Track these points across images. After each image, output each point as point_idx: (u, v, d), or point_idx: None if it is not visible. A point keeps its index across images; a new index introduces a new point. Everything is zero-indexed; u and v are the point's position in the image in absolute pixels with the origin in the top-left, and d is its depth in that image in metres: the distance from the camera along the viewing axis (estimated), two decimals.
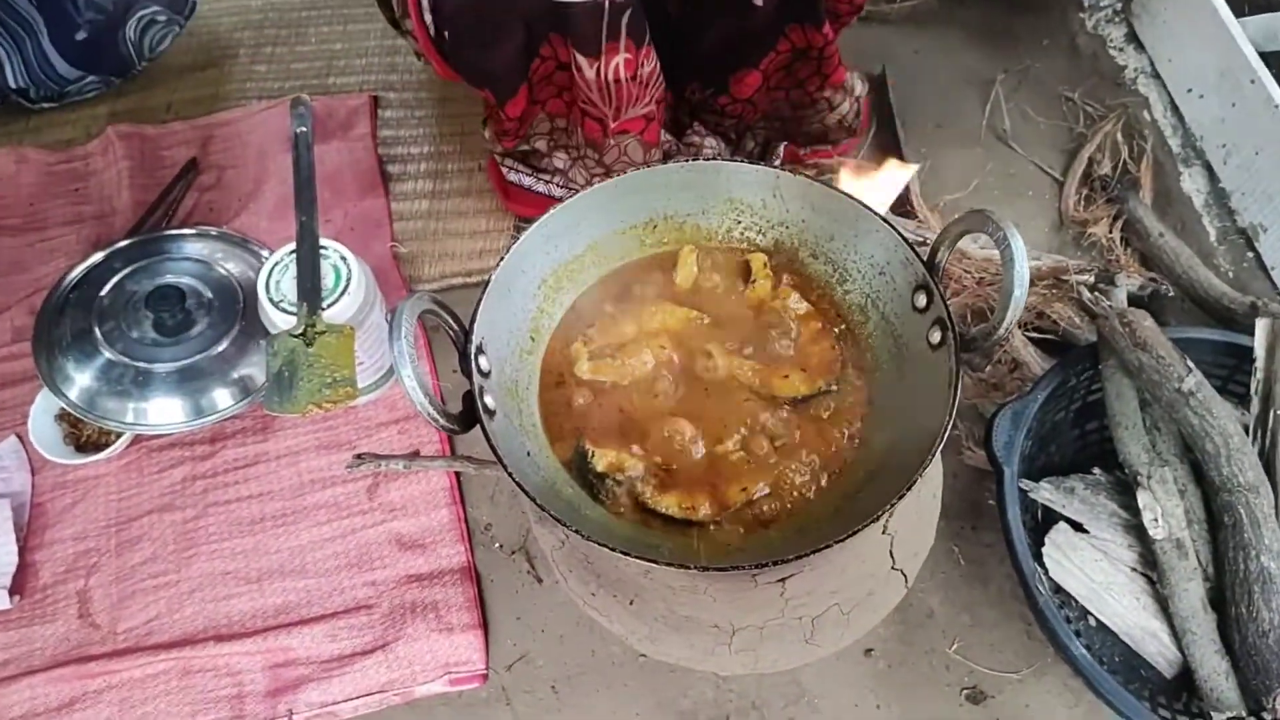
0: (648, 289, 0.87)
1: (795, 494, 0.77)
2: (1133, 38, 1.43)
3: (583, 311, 0.87)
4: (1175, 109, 1.35)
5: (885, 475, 0.74)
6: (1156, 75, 1.38)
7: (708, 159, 1.27)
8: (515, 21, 1.00)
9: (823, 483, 0.78)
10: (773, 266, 0.87)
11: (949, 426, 0.68)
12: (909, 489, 0.66)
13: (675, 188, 0.86)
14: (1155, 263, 1.20)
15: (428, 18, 1.09)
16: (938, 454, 0.69)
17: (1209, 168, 1.29)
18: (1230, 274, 1.22)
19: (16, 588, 1.03)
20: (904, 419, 0.76)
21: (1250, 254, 1.22)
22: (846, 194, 0.82)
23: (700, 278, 0.87)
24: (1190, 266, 1.17)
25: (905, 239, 0.78)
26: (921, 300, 0.78)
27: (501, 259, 0.79)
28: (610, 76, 1.03)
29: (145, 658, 0.98)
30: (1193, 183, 1.29)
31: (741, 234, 0.89)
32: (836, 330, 0.85)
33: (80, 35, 1.32)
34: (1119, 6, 1.45)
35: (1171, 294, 1.16)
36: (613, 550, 0.66)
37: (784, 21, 1.08)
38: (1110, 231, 1.24)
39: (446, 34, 1.03)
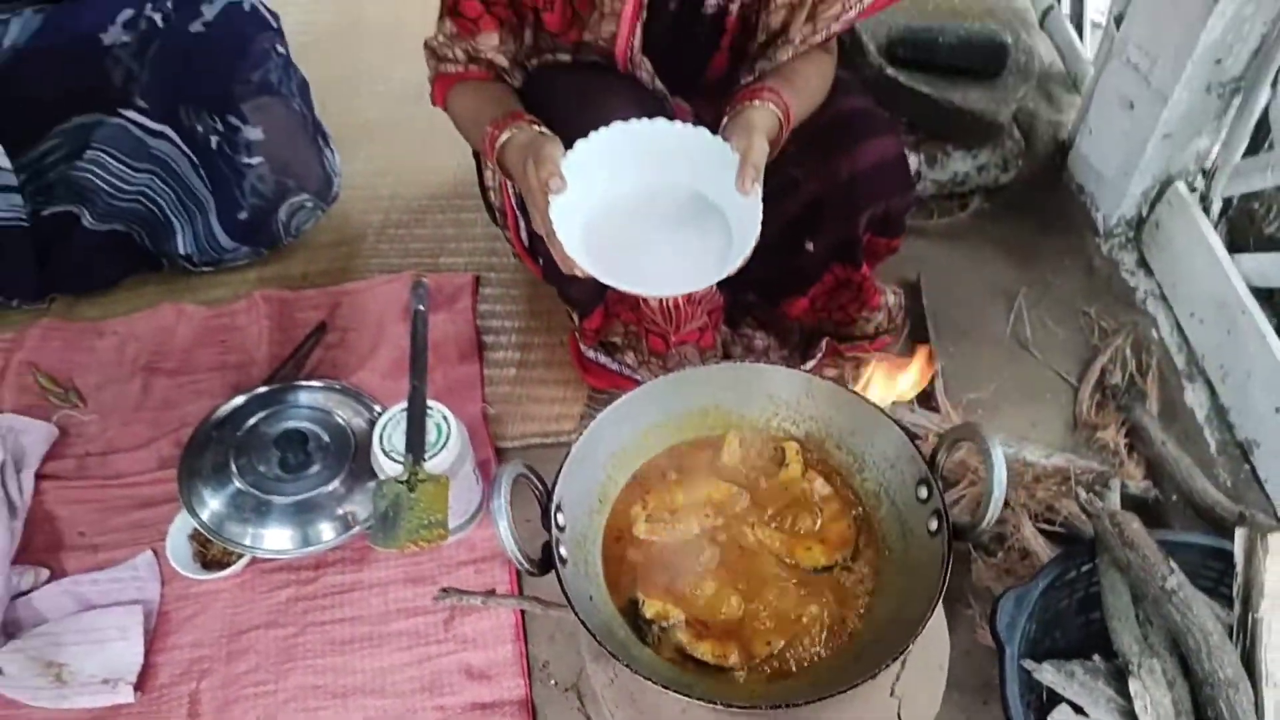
0: (698, 465, 1.05)
1: (811, 651, 0.91)
2: (1143, 263, 1.61)
3: (643, 481, 1.04)
4: (1180, 329, 1.51)
5: (887, 641, 0.87)
6: (1164, 298, 1.56)
7: (759, 349, 1.48)
8: None
9: (834, 643, 0.92)
10: (803, 454, 1.04)
11: (937, 604, 0.83)
12: (902, 654, 0.80)
13: (724, 384, 1.05)
14: (1158, 469, 1.34)
15: (524, 235, 1.33)
16: (933, 627, 0.84)
17: (1210, 384, 1.44)
18: (1229, 484, 1.34)
19: (140, 684, 1.20)
20: (906, 594, 0.91)
21: (1246, 466, 1.35)
22: (866, 399, 0.99)
23: (742, 459, 1.05)
24: (1189, 475, 1.30)
25: (913, 439, 0.95)
26: (924, 493, 0.93)
27: (579, 435, 0.98)
28: (669, 304, 1.24)
29: None
30: (1195, 397, 1.44)
31: (778, 424, 1.07)
32: (854, 512, 1.01)
33: (242, 215, 1.59)
34: (1131, 235, 1.64)
35: (1169, 498, 1.29)
36: (656, 685, 0.81)
37: (829, 260, 1.29)
38: (1118, 436, 1.38)
39: (540, 260, 1.26)
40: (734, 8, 1.21)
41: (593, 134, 1.04)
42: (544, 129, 1.10)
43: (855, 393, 1.00)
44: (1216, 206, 1.50)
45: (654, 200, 1.08)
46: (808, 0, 1.17)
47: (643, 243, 1.06)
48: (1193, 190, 1.53)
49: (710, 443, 1.07)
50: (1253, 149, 1.44)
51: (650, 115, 1.08)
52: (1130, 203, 1.59)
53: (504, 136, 1.10)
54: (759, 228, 1.00)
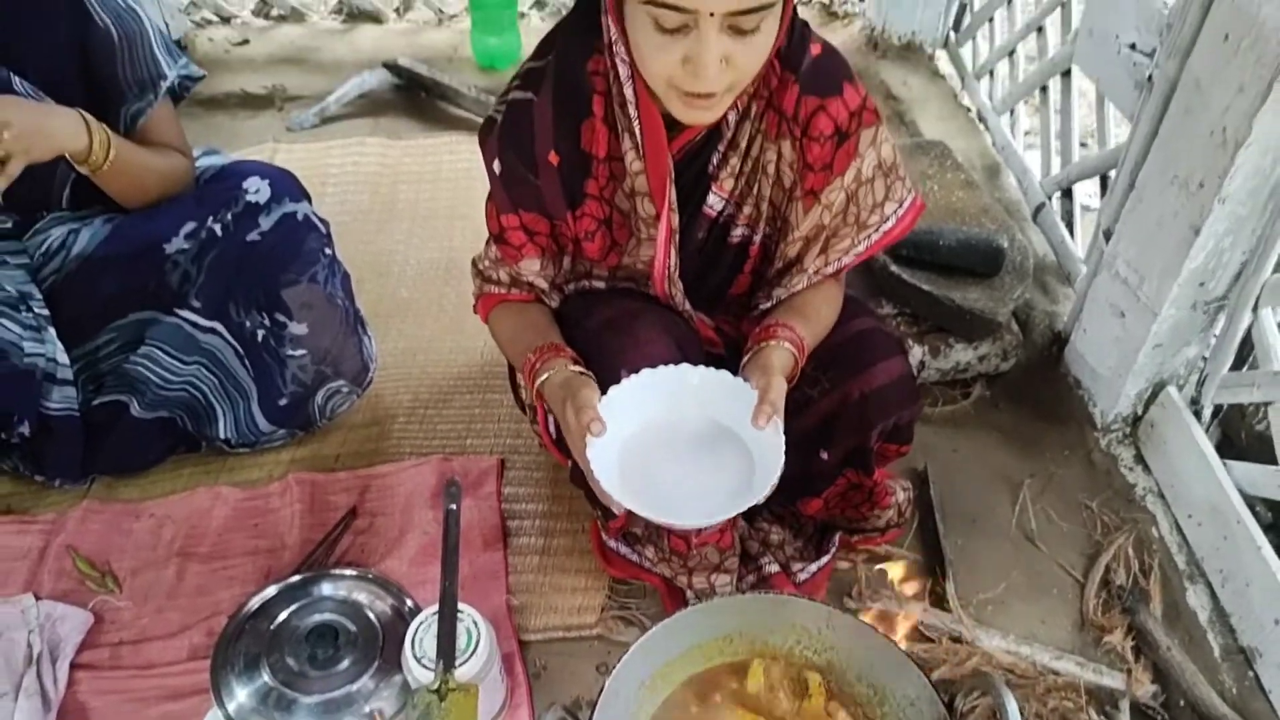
0: (725, 691, 1.09)
1: None
2: (1141, 460, 1.69)
3: (672, 707, 1.09)
4: (1179, 529, 1.57)
5: None
6: (1162, 496, 1.62)
7: (775, 543, 1.53)
8: None
9: None
10: (825, 684, 1.09)
11: None
12: None
13: (750, 612, 1.10)
14: (1164, 674, 1.38)
15: (551, 428, 1.41)
16: None
17: (1210, 587, 1.49)
18: (1234, 690, 1.38)
19: None
20: None
21: (1250, 674, 1.39)
22: (885, 635, 1.05)
23: (766, 687, 1.09)
24: (1194, 683, 1.34)
25: (930, 683, 1.00)
26: None
27: (613, 669, 1.03)
28: None
29: None
30: (1197, 599, 1.49)
31: (800, 652, 1.12)
32: None
33: (282, 401, 1.67)
34: (1128, 431, 1.72)
35: (1176, 703, 1.32)
36: None
37: (843, 467, 1.37)
38: (1125, 640, 1.43)
39: (570, 460, 1.33)
40: (756, 239, 1.32)
41: (625, 381, 1.14)
42: (581, 368, 1.20)
43: (874, 628, 1.06)
44: (1208, 411, 1.59)
45: (683, 435, 1.18)
46: (821, 234, 1.28)
47: (673, 475, 1.14)
48: (1184, 394, 1.61)
49: (736, 667, 1.12)
50: (1239, 363, 1.53)
51: (676, 337, 1.18)
52: (1126, 401, 1.68)
53: (544, 375, 1.20)
54: (782, 458, 1.08)
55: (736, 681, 1.09)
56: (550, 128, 1.21)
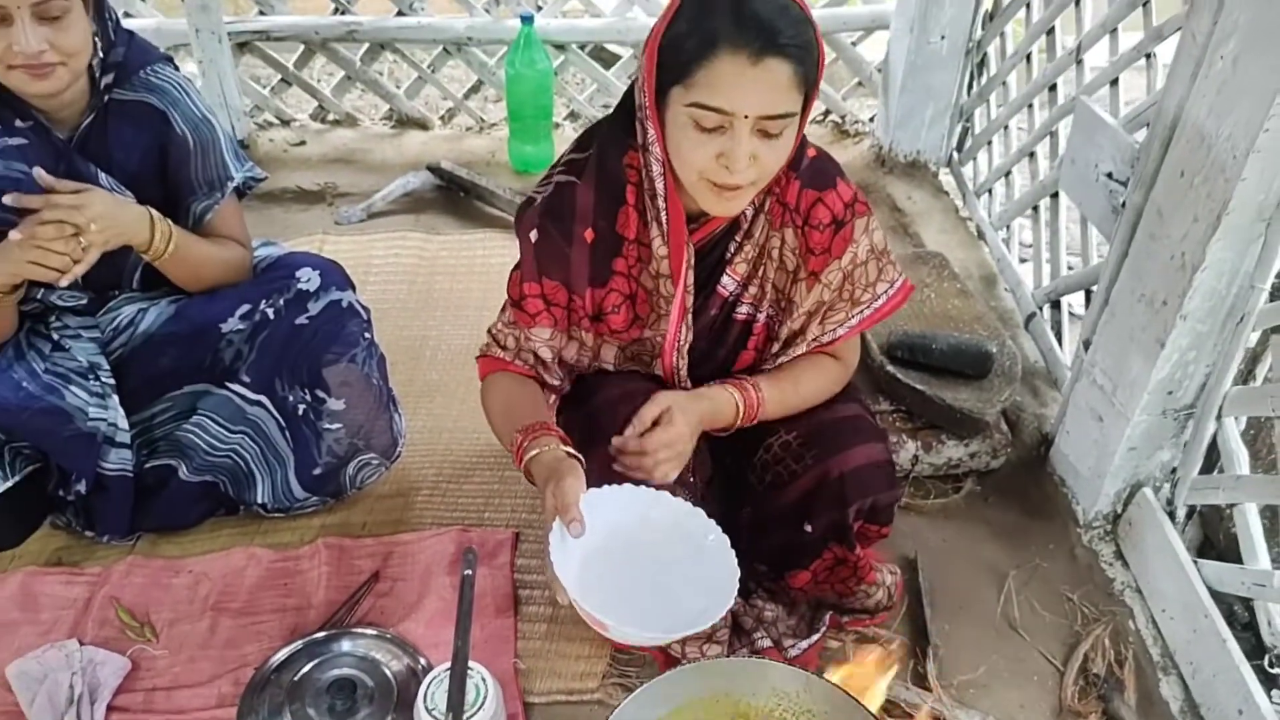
0: None
1: None
2: (1120, 556, 1.77)
3: None
4: (1154, 623, 1.65)
5: None
6: (1139, 591, 1.71)
7: (768, 620, 1.63)
8: None
9: None
10: None
11: None
12: None
13: (733, 675, 1.20)
14: None
15: None
16: None
17: (1183, 679, 1.56)
18: None
19: None
20: None
21: None
22: (859, 702, 1.14)
23: None
24: None
25: None
26: None
27: None
28: None
29: None
30: (1170, 690, 1.56)
31: (780, 714, 1.21)
32: None
33: (316, 471, 1.81)
34: (1108, 529, 1.81)
35: None
36: None
37: (827, 540, 1.49)
38: None
39: None
40: (760, 317, 1.49)
41: (607, 488, 1.33)
42: (570, 448, 1.36)
43: (847, 692, 1.15)
44: (1182, 511, 1.68)
45: (648, 552, 1.36)
46: (821, 309, 1.44)
47: (630, 585, 1.32)
48: (1160, 495, 1.71)
49: None
50: (1209, 467, 1.64)
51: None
52: (1105, 500, 1.78)
53: (534, 451, 1.35)
54: (735, 585, 1.29)
55: None
56: (591, 208, 1.41)
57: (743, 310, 1.49)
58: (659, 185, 1.35)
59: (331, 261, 1.79)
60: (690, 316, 1.45)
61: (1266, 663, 1.51)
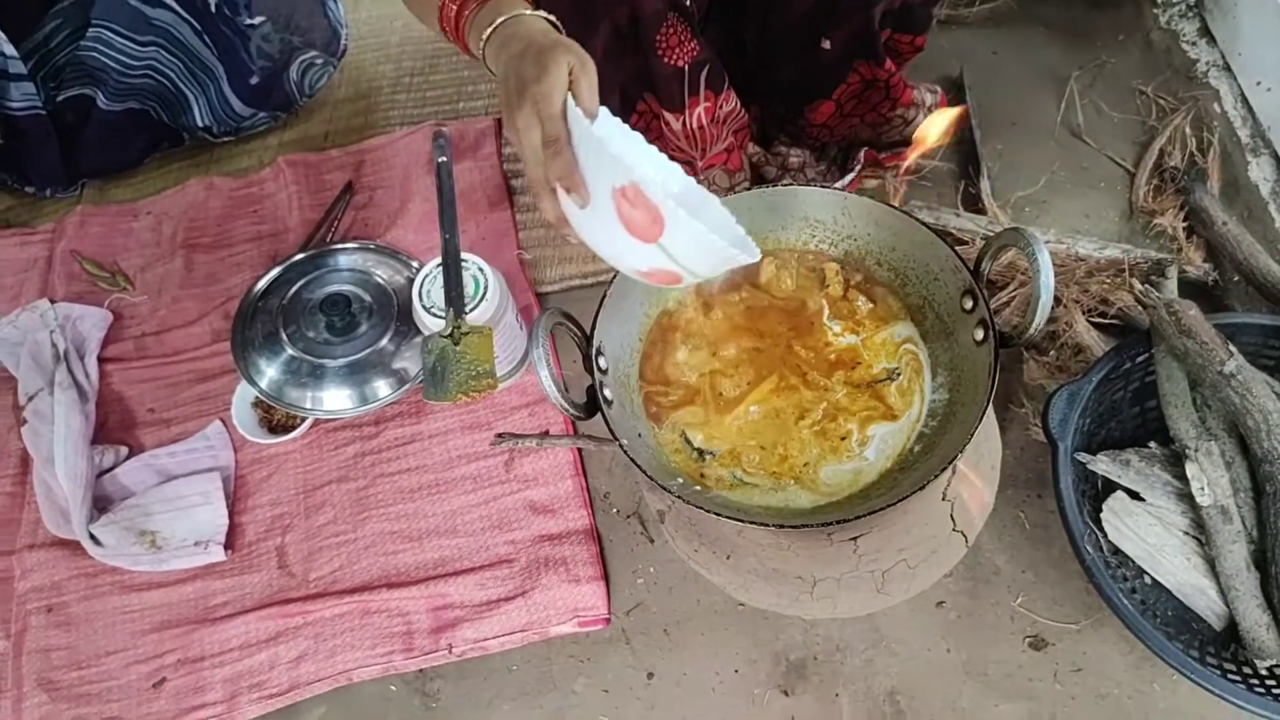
0: (739, 293, 1.03)
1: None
2: (1205, 32, 1.49)
3: (683, 313, 1.03)
4: (1245, 100, 1.41)
5: (938, 452, 0.88)
6: (1227, 68, 1.45)
7: (794, 166, 1.42)
8: (614, 86, 1.17)
9: (886, 458, 0.93)
10: (844, 274, 1.02)
11: (984, 413, 0.82)
12: (951, 465, 0.81)
13: (759, 209, 1.01)
14: (1218, 250, 1.28)
15: None
16: (985, 429, 0.83)
17: (1276, 157, 1.35)
18: None
19: (229, 544, 1.27)
20: (954, 403, 0.91)
21: None
22: (904, 210, 0.96)
23: (780, 283, 1.03)
24: (1251, 254, 1.24)
25: (955, 251, 0.92)
26: (969, 303, 0.91)
27: (615, 276, 0.96)
28: (694, 125, 1.18)
29: (333, 601, 1.21)
30: (1260, 171, 1.36)
31: (816, 245, 1.04)
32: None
33: (253, 79, 1.55)
34: (1192, 2, 1.51)
35: (1230, 279, 1.24)
36: (708, 513, 0.83)
37: (851, 59, 1.22)
38: (1176, 221, 1.32)
39: None
40: None
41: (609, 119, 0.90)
42: (545, 14, 0.89)
43: (892, 206, 0.97)
44: None
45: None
46: None
47: None
48: None
49: (748, 271, 1.05)
50: None
51: None
52: None
53: (489, 20, 0.87)
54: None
55: (748, 282, 1.03)
56: None
57: None
58: None
59: None
60: None
61: None
